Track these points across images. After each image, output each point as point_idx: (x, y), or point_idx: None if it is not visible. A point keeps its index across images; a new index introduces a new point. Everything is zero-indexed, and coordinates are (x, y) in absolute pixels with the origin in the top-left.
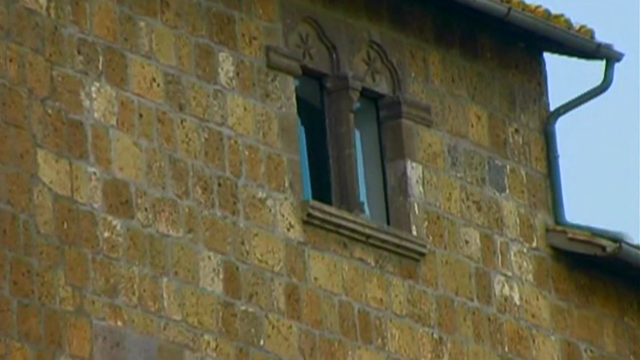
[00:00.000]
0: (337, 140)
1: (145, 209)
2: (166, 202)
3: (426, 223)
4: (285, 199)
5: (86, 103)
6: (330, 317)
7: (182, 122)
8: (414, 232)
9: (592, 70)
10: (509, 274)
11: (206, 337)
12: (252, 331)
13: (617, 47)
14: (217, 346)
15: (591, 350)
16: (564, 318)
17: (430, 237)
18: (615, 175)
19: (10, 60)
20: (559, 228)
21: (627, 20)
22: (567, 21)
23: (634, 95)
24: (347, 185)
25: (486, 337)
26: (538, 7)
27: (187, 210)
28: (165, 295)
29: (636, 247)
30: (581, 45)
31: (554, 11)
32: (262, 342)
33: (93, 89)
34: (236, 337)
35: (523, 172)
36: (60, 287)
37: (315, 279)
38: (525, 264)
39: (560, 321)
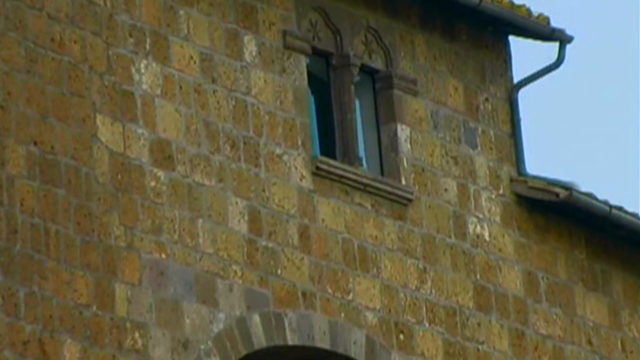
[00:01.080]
0: (340, 107)
1: (184, 163)
2: (201, 157)
3: (413, 174)
4: (298, 154)
5: (136, 77)
6: (334, 251)
7: (214, 92)
8: (403, 182)
9: (548, 50)
10: (480, 216)
11: (234, 267)
12: (271, 262)
13: (569, 31)
14: (242, 274)
15: (547, 278)
16: (525, 252)
17: (416, 186)
18: (568, 135)
19: (75, 42)
20: (521, 178)
21: (577, 8)
22: (528, 10)
23: (582, 70)
24: (348, 144)
25: (462, 267)
26: None
27: (218, 164)
28: (200, 233)
29: (584, 194)
30: (539, 30)
31: (517, 2)
32: (279, 272)
33: (142, 65)
34: (258, 267)
35: (492, 133)
36: (115, 226)
37: (323, 220)
38: (493, 207)
39: (522, 254)
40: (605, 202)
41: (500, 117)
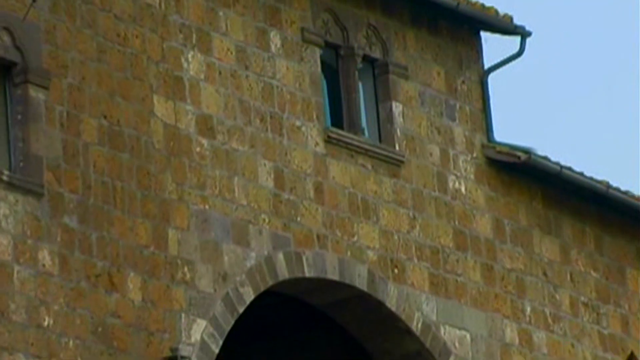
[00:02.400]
0: (347, 88)
1: (223, 133)
2: (236, 128)
3: (404, 141)
4: (313, 126)
5: (185, 65)
6: (342, 203)
7: (246, 76)
8: (397, 147)
9: (511, 43)
10: (458, 174)
11: (262, 215)
12: (292, 212)
13: (528, 27)
14: (269, 221)
15: (511, 224)
16: (493, 203)
17: (407, 151)
18: (528, 109)
19: (136, 37)
20: (490, 145)
21: (535, 8)
22: (496, 10)
23: (539, 59)
24: (353, 117)
25: (443, 215)
26: (477, 1)
27: (249, 133)
28: (235, 189)
29: (540, 156)
30: (504, 26)
31: (487, 4)
32: (298, 219)
33: (189, 55)
34: (282, 216)
35: (467, 109)
36: (168, 183)
37: (333, 177)
38: (468, 168)
39: (491, 205)
40: (557, 163)
41: (473, 96)
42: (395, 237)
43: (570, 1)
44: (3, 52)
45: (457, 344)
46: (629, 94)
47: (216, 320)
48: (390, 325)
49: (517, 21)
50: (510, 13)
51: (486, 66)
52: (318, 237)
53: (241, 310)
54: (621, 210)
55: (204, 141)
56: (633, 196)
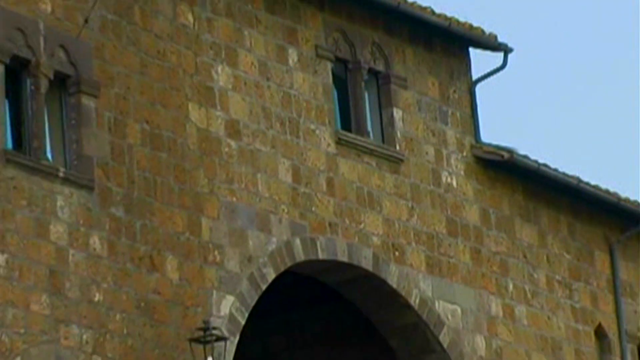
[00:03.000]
0: (354, 97)
1: (248, 135)
2: (259, 131)
3: (404, 142)
4: (326, 129)
5: (215, 77)
6: (350, 195)
7: (268, 87)
8: (397, 148)
9: (496, 58)
10: (450, 170)
11: (282, 206)
12: (307, 203)
13: (511, 44)
14: (288, 211)
15: (496, 213)
16: (481, 195)
17: (406, 150)
18: (509, 114)
19: (172, 53)
20: (478, 145)
21: (516, 28)
22: (482, 30)
23: (520, 71)
24: (360, 121)
25: (438, 205)
26: (466, 22)
27: (271, 136)
28: (259, 183)
29: (521, 155)
30: (490, 43)
31: (475, 24)
32: (313, 209)
33: (219, 69)
34: (298, 206)
35: (458, 114)
36: (201, 178)
37: (342, 174)
38: (459, 165)
39: (479, 197)
40: (536, 161)
41: (463, 103)
42: (396, 225)
43: (547, 22)
44: (59, 66)
45: (449, 316)
46: (597, 97)
47: (242, 296)
48: (392, 300)
49: (501, 39)
50: (494, 32)
51: (474, 77)
52: (330, 224)
53: (264, 287)
54: (590, 201)
55: (232, 142)
56: (600, 189)
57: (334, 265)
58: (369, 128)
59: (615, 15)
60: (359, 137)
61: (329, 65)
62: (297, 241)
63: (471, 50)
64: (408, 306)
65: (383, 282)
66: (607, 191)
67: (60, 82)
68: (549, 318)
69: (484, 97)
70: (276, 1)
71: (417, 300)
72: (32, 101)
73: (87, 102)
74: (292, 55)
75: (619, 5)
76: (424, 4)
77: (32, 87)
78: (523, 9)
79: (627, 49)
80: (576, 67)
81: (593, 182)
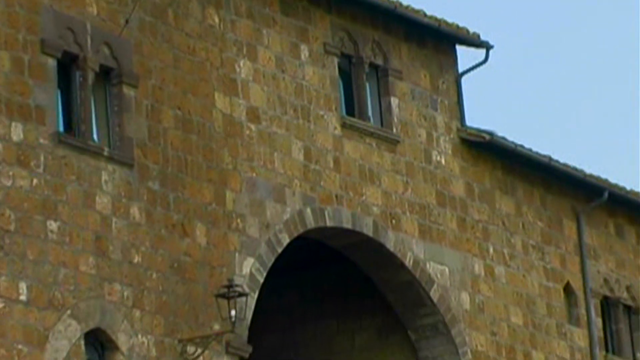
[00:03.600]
0: (357, 87)
1: (266, 120)
2: (275, 116)
3: (400, 126)
4: (333, 115)
5: (238, 70)
6: (354, 171)
7: (283, 78)
8: (394, 131)
9: (479, 53)
10: (440, 150)
11: (295, 181)
12: (317, 178)
13: (491, 42)
14: (300, 185)
15: (478, 187)
16: (466, 171)
17: (402, 133)
18: (490, 102)
19: (201, 49)
20: (463, 128)
21: (497, 27)
22: (467, 29)
23: (499, 65)
24: (362, 108)
25: (429, 180)
26: (454, 23)
27: (285, 120)
28: (275, 161)
29: (500, 137)
30: (473, 41)
31: (461, 25)
32: (322, 183)
33: (241, 63)
34: (310, 180)
35: (446, 102)
36: (226, 157)
37: (347, 153)
38: (447, 145)
39: (464, 172)
40: (513, 142)
41: (451, 92)
42: (393, 197)
43: (524, 22)
44: (104, 60)
45: (438, 275)
46: (570, 83)
47: (261, 258)
48: (389, 261)
49: (483, 37)
50: (478, 31)
51: (460, 70)
52: (336, 196)
53: (280, 250)
54: (560, 176)
55: (252, 126)
56: (568, 166)
57: (339, 232)
58: (370, 114)
59: (575, 13)
60: (361, 122)
61: (336, 60)
62: (308, 211)
63: (457, 47)
64: (403, 266)
65: (382, 246)
66: (574, 168)
67: (104, 74)
68: (524, 277)
69: (469, 88)
70: (290, 5)
71: (411, 262)
72: (81, 91)
73: (128, 91)
74: (304, 52)
75: (579, 5)
76: (418, 7)
77: (81, 79)
78: (503, 12)
79: (595, 42)
80: (548, 61)
81: (562, 160)
